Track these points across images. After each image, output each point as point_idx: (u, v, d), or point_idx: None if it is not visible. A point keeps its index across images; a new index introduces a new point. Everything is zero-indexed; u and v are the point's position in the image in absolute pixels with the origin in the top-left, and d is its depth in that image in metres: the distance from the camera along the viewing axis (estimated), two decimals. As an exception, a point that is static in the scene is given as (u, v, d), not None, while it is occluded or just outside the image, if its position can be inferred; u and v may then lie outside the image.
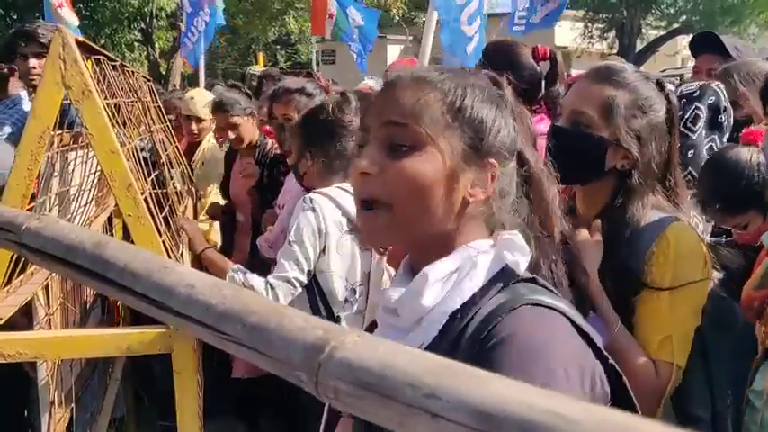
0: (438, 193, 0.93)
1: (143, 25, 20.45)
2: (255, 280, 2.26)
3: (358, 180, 0.96)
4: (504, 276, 0.93)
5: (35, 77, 3.12)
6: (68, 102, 1.38)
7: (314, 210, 2.25)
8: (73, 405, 1.90)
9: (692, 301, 1.53)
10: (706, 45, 3.39)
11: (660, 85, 1.65)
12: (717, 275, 1.71)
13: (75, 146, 1.78)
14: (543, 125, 2.50)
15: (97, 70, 1.58)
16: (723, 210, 1.98)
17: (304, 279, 2.26)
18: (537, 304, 0.88)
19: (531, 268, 0.98)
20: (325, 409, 1.09)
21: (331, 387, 0.51)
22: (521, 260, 0.93)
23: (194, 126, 4.03)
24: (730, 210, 1.97)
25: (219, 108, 3.54)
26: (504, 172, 0.98)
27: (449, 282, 0.93)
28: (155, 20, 20.09)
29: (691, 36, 3.89)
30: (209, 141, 4.15)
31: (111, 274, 0.72)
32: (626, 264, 1.54)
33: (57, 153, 1.64)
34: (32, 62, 3.15)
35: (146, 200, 1.47)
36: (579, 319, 0.90)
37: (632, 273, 1.53)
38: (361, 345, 0.51)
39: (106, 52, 1.73)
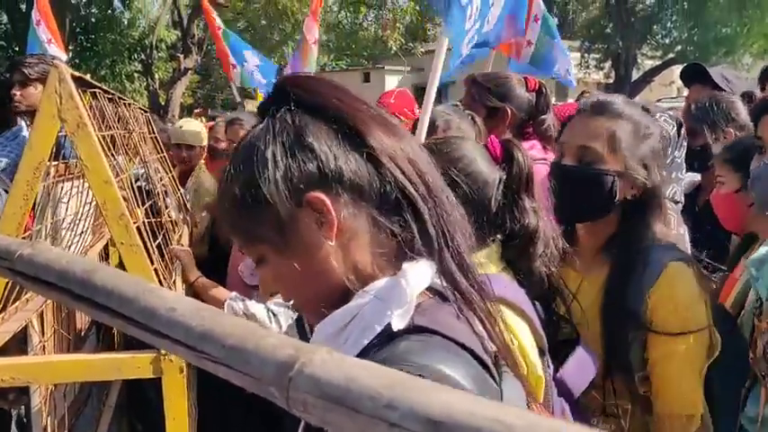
0: (301, 275, 0.88)
1: (143, 56, 20.65)
2: (256, 307, 2.29)
3: None
4: (388, 330, 0.82)
5: (17, 105, 3.28)
6: (63, 134, 1.43)
7: None
8: (66, 432, 1.93)
9: (703, 347, 1.55)
10: (696, 76, 3.48)
11: (646, 110, 1.69)
12: None
13: (71, 176, 1.83)
14: (536, 151, 2.57)
15: (93, 104, 1.64)
16: (727, 158, 2.20)
17: None
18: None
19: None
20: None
21: (300, 401, 0.55)
22: (396, 315, 0.82)
23: (185, 153, 4.10)
24: (731, 161, 2.17)
25: (234, 122, 3.76)
26: (347, 190, 0.86)
27: (341, 336, 0.85)
28: (155, 51, 20.30)
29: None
30: (200, 169, 4.21)
31: (100, 299, 0.76)
32: (625, 299, 1.55)
33: (53, 183, 1.68)
34: (14, 90, 3.29)
35: (138, 229, 1.51)
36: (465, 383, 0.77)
37: (630, 309, 1.54)
38: (328, 361, 0.55)
39: (102, 86, 1.78)
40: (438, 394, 0.48)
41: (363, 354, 0.81)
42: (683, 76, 3.67)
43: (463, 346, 0.82)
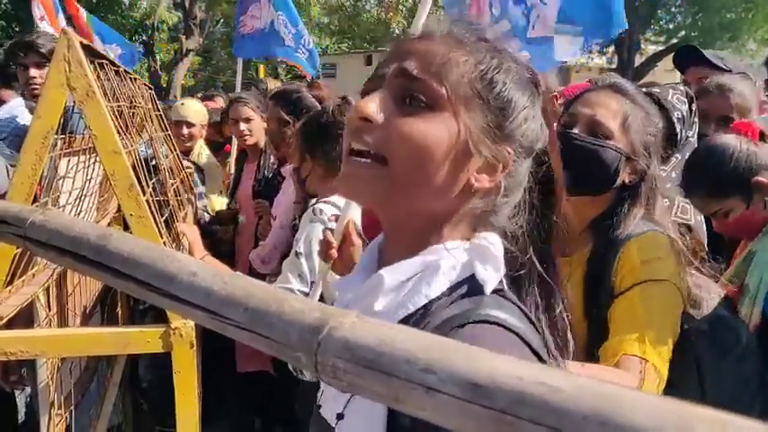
0: (443, 165, 0.81)
1: (144, 38, 20.58)
2: None
3: (355, 124, 0.83)
4: (468, 287, 0.82)
5: (36, 87, 3.17)
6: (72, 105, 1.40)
7: (322, 221, 2.27)
8: (72, 408, 1.91)
9: (659, 299, 1.50)
10: (689, 59, 3.47)
11: (659, 103, 1.69)
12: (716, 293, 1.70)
13: (78, 150, 1.80)
14: None
15: (100, 74, 1.61)
16: (707, 194, 1.95)
17: (307, 290, 2.29)
18: (486, 321, 0.76)
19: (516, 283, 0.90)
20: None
21: (330, 366, 0.52)
22: (491, 276, 0.82)
23: (185, 130, 4.07)
24: (714, 194, 1.94)
25: (238, 100, 3.76)
26: (518, 169, 0.87)
27: (405, 286, 0.82)
28: (156, 32, 20.23)
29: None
30: (200, 147, 4.19)
31: (115, 264, 0.74)
32: (602, 277, 1.55)
33: (59, 156, 1.66)
34: (32, 72, 3.20)
35: (147, 202, 1.48)
36: (536, 341, 0.78)
37: (605, 286, 1.54)
38: (359, 325, 0.53)
39: (110, 57, 1.75)
40: (479, 357, 0.45)
41: (425, 309, 0.80)
42: (676, 61, 3.64)
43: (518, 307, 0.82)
